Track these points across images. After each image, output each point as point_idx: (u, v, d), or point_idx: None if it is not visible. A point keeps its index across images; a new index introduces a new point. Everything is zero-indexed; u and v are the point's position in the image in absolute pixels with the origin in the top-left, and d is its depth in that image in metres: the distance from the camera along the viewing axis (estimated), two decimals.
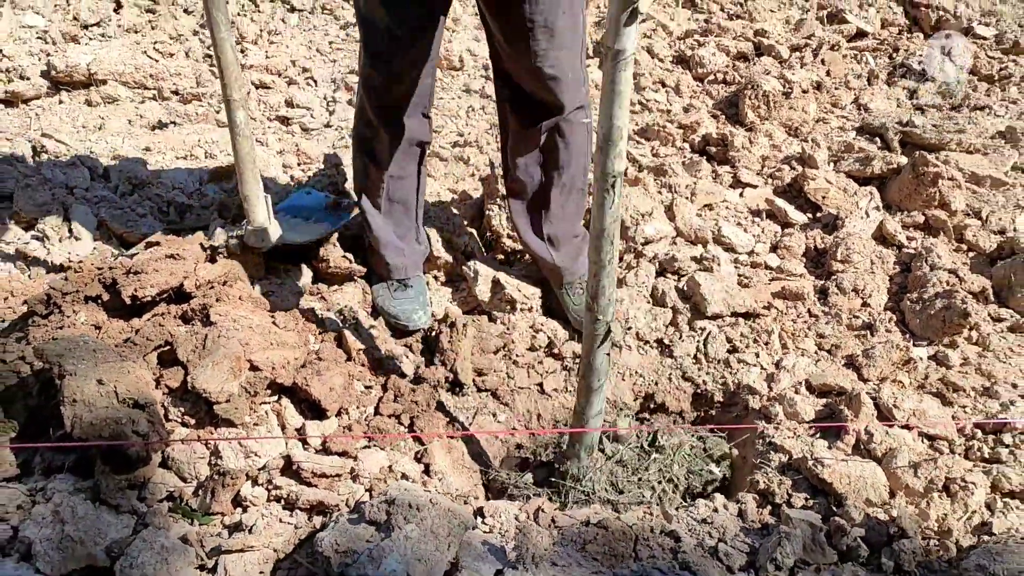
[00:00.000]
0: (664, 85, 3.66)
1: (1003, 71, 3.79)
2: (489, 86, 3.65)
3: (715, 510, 1.87)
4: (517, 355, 2.24)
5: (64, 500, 1.66)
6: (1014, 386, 2.22)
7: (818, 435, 2.04)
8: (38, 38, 3.71)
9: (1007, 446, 2.02)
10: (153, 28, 3.85)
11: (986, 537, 1.80)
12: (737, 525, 1.84)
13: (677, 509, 1.86)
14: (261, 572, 1.64)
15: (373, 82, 2.17)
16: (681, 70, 3.82)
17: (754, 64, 3.78)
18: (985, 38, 4.05)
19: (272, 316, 1.98)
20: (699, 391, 2.25)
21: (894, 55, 3.93)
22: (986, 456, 2.00)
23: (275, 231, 2.21)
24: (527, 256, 2.53)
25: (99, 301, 2.01)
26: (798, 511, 1.82)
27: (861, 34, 4.11)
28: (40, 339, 1.91)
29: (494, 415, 2.16)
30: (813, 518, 1.78)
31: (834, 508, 1.84)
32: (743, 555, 1.73)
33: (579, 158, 2.28)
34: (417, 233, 2.45)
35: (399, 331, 2.31)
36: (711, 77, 3.73)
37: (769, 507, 1.90)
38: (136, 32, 3.82)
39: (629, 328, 2.38)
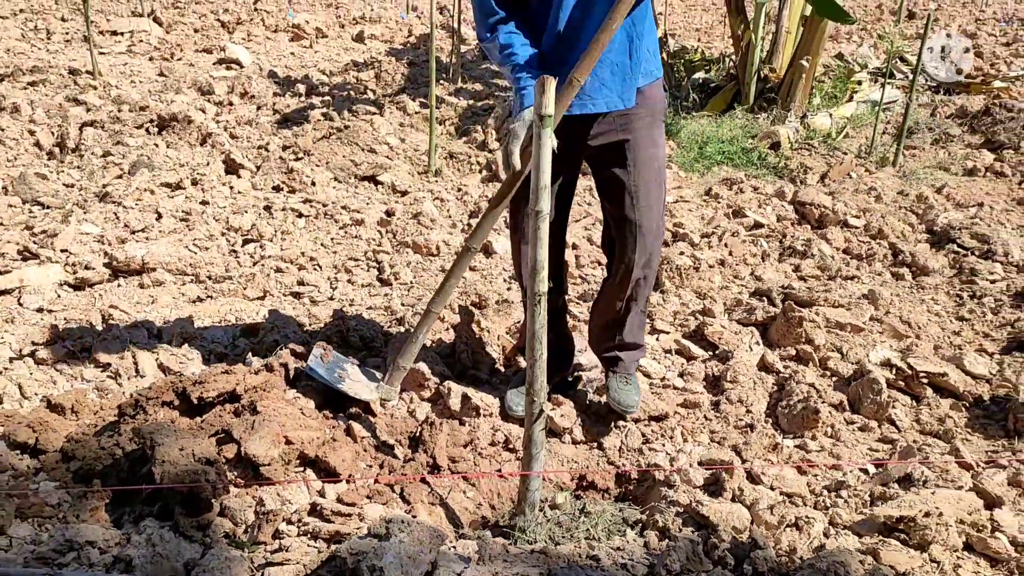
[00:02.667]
0: (600, 264, 4.59)
1: (869, 251, 4.78)
2: None
3: (627, 542, 2.54)
4: (481, 448, 2.95)
5: (154, 531, 2.32)
6: (856, 463, 2.95)
7: (705, 493, 2.74)
8: (96, 240, 4.61)
9: (843, 498, 2.72)
10: (190, 230, 4.79)
11: (821, 553, 2.47)
12: (643, 551, 2.50)
13: (599, 542, 2.53)
14: None
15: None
16: None
17: (670, 247, 4.74)
18: (856, 227, 5.09)
19: (300, 409, 2.72)
20: (619, 472, 2.95)
21: (783, 240, 4.93)
22: (827, 506, 2.70)
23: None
24: (486, 379, 3.30)
25: (172, 405, 2.74)
26: (684, 534, 2.49)
27: (758, 225, 5.14)
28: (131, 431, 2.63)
29: (464, 492, 2.84)
30: (694, 538, 2.45)
31: (711, 535, 2.52)
32: (644, 567, 2.38)
33: (650, 289, 3.03)
34: None
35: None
36: None
37: (667, 540, 2.56)
38: (176, 233, 4.75)
39: (571, 431, 3.11)
